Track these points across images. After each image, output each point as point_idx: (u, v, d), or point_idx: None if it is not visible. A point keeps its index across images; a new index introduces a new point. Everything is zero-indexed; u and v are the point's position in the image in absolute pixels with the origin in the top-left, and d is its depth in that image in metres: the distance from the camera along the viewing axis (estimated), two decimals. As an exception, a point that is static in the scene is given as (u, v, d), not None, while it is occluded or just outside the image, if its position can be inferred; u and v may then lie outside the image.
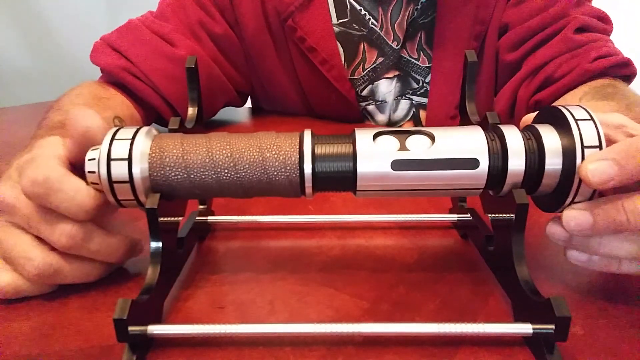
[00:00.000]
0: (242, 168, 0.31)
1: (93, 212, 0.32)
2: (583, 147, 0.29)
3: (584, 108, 0.30)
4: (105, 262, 0.35)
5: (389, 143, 0.31)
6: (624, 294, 0.34)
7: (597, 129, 0.29)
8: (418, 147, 0.30)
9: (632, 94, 0.52)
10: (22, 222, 0.32)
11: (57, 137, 0.35)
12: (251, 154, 0.31)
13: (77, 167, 0.33)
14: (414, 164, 0.30)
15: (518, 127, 0.32)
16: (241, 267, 0.38)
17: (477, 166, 0.30)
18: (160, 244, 0.31)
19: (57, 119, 0.48)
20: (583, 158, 0.29)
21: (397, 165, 0.30)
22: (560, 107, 0.31)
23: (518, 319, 0.31)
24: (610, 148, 0.28)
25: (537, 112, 0.35)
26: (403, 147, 0.30)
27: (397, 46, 0.72)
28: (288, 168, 0.31)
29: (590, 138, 0.29)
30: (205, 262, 0.39)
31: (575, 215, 0.29)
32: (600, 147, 0.29)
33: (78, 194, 0.31)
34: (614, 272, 0.31)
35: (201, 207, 0.43)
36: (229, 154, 0.31)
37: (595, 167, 0.28)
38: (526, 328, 0.28)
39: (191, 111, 0.40)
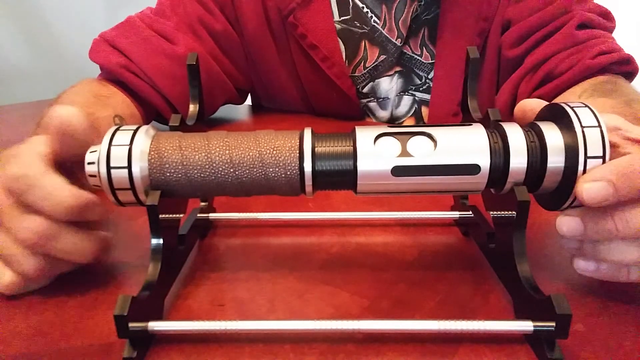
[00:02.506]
0: (241, 168, 0.31)
1: (73, 210, 0.31)
2: (586, 144, 0.28)
3: (585, 105, 0.30)
4: (77, 261, 0.34)
5: (390, 145, 0.31)
6: (625, 291, 0.34)
7: (600, 127, 0.29)
8: (419, 151, 0.30)
9: (632, 90, 0.52)
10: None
11: (43, 135, 0.34)
12: (250, 153, 0.31)
13: (63, 165, 0.33)
14: (415, 170, 0.30)
15: (517, 121, 0.32)
16: (241, 265, 0.38)
17: (479, 171, 0.30)
18: (161, 241, 0.31)
19: None
20: (586, 156, 0.28)
21: (398, 171, 0.30)
22: (562, 105, 0.30)
23: (519, 316, 0.31)
24: (606, 167, 0.28)
25: (536, 98, 0.34)
26: (404, 151, 0.30)
27: (400, 43, 0.71)
28: (288, 167, 0.31)
29: (593, 137, 0.29)
30: (206, 259, 0.39)
31: (566, 222, 0.30)
32: (603, 145, 0.29)
33: (56, 192, 0.30)
34: (623, 281, 0.31)
35: (203, 204, 0.43)
36: (228, 155, 0.31)
37: (591, 188, 0.28)
38: (527, 325, 0.28)
39: (192, 108, 0.40)
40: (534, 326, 0.27)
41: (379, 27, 0.71)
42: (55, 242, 0.31)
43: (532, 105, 0.35)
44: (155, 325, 0.28)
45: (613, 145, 0.30)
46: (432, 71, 0.72)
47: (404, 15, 0.70)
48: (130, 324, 0.27)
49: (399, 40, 0.71)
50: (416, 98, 0.75)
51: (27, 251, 0.31)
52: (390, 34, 0.71)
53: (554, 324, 0.26)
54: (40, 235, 0.31)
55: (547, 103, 0.33)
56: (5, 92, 1.58)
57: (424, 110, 0.75)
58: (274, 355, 0.28)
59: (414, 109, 0.76)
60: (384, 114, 0.77)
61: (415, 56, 0.73)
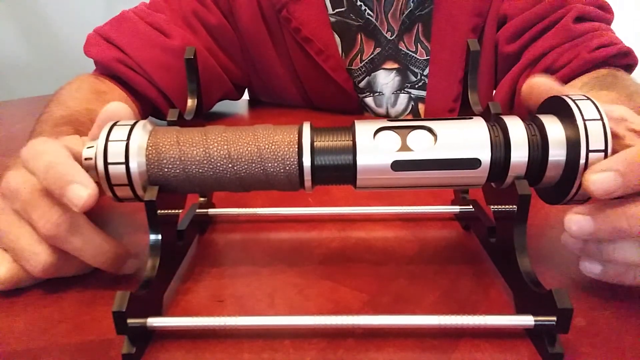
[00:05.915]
0: (239, 163, 0.31)
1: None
2: (587, 138, 0.28)
3: (587, 97, 0.30)
4: (91, 262, 0.33)
5: (390, 139, 0.30)
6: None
7: (602, 120, 0.29)
8: (419, 145, 0.30)
9: (633, 83, 0.52)
10: (20, 209, 0.32)
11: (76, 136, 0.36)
12: (248, 148, 0.31)
13: None
14: (415, 165, 0.30)
15: (520, 116, 0.31)
16: (241, 260, 0.38)
17: (479, 165, 0.30)
18: (159, 237, 0.31)
19: (60, 114, 0.47)
20: (587, 149, 0.28)
21: (397, 165, 0.30)
22: (564, 97, 0.30)
23: (520, 310, 0.31)
24: (614, 158, 0.28)
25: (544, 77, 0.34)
26: (404, 145, 0.30)
27: (391, 37, 0.71)
28: (286, 161, 0.30)
29: (595, 130, 0.28)
30: (205, 255, 0.39)
31: (577, 220, 0.29)
32: (605, 138, 0.28)
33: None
34: (629, 284, 0.30)
35: (202, 199, 0.42)
36: (226, 150, 0.31)
37: (599, 179, 0.27)
38: (528, 320, 0.27)
39: (190, 103, 0.39)
40: (535, 321, 0.27)
41: (373, 20, 0.71)
42: (72, 236, 0.31)
43: (538, 83, 0.34)
44: (154, 321, 0.28)
45: (617, 137, 0.30)
46: (428, 68, 0.72)
47: (392, 8, 0.70)
48: (129, 320, 0.27)
49: (389, 33, 0.71)
50: (412, 95, 0.75)
51: (41, 246, 0.31)
52: (382, 27, 0.71)
53: (555, 318, 0.26)
54: (60, 227, 0.30)
55: (556, 81, 0.33)
56: (5, 88, 1.57)
57: (421, 107, 0.75)
58: (273, 351, 0.28)
59: (410, 106, 0.76)
60: (380, 111, 0.77)
61: (410, 53, 0.72)
